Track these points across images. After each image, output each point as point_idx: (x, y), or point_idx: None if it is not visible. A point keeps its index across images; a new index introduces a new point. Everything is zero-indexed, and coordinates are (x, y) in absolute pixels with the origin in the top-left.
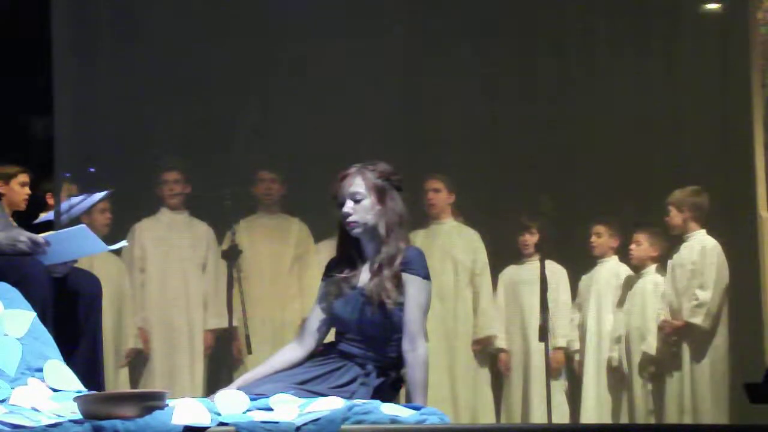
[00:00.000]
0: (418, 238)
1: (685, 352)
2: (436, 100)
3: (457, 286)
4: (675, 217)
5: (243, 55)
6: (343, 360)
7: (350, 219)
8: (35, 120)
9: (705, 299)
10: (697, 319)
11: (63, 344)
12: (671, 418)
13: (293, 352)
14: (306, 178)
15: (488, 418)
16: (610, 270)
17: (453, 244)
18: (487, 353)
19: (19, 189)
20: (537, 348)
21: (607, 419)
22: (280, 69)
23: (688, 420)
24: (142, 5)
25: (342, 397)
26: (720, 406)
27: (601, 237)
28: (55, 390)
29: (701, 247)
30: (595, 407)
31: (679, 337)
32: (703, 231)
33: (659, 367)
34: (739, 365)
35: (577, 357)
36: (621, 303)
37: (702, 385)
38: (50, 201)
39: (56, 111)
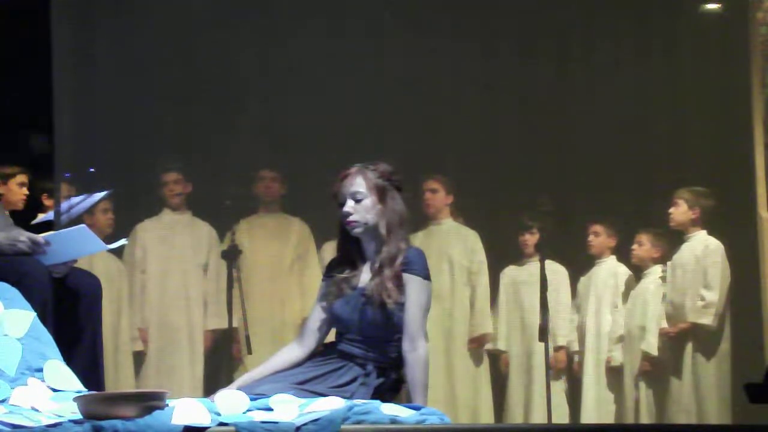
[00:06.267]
0: (417, 239)
1: (688, 352)
2: (436, 100)
3: (454, 287)
4: (684, 213)
5: (243, 55)
6: (344, 360)
7: (351, 218)
8: (35, 120)
9: (712, 300)
10: (706, 320)
11: (63, 344)
12: (673, 418)
13: (293, 352)
14: (306, 178)
15: (488, 418)
16: (609, 270)
17: (450, 245)
18: (483, 352)
19: (17, 189)
20: (537, 348)
21: (606, 419)
22: (280, 69)
23: (690, 420)
24: (142, 6)
25: (342, 397)
26: (723, 406)
27: (599, 236)
28: (55, 390)
29: (704, 247)
30: (595, 407)
31: (684, 338)
32: (704, 231)
33: (660, 367)
34: (741, 365)
35: (576, 358)
36: (622, 303)
37: (705, 385)
38: (46, 202)
39: (56, 111)
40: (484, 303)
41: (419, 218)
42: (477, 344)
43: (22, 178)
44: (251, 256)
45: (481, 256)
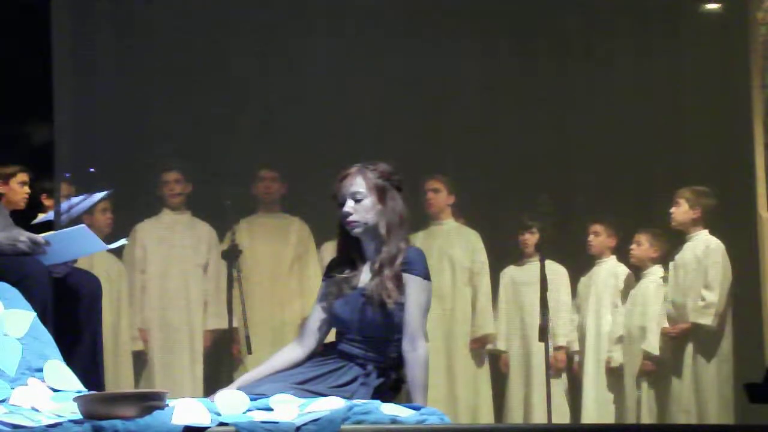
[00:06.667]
0: (418, 239)
1: (689, 352)
2: (436, 100)
3: (456, 287)
4: (685, 212)
5: (243, 55)
6: (344, 360)
7: (351, 218)
8: (35, 120)
9: (712, 300)
10: (706, 320)
11: (63, 344)
12: (673, 418)
13: (293, 352)
14: (306, 178)
15: (488, 418)
16: (609, 270)
17: (452, 245)
18: (485, 352)
19: (19, 188)
20: (537, 348)
21: (606, 419)
22: (280, 69)
23: (691, 420)
24: (142, 6)
25: (342, 397)
26: (724, 406)
27: (599, 236)
28: (55, 390)
29: (705, 247)
30: (595, 407)
31: (685, 338)
32: (706, 231)
33: (661, 367)
34: (742, 365)
35: (576, 358)
36: (622, 303)
37: (707, 385)
38: (46, 202)
39: (56, 111)
40: (486, 303)
41: (420, 218)
42: (479, 344)
43: (22, 176)
44: (251, 256)
45: (482, 257)
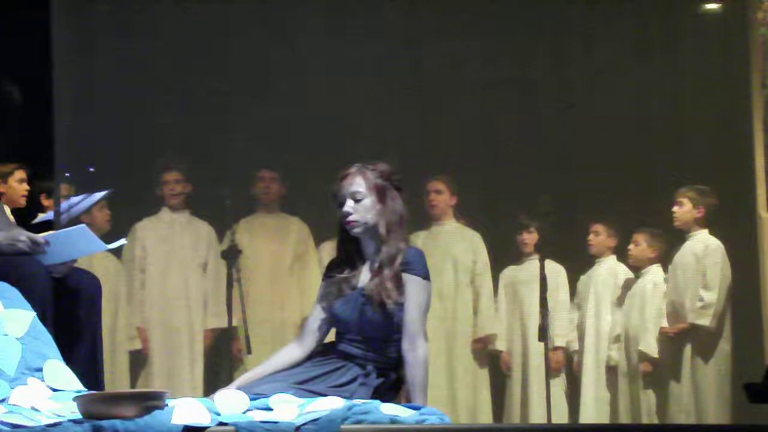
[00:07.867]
0: (420, 240)
1: (688, 352)
2: (437, 100)
3: (458, 287)
4: (688, 212)
5: (243, 55)
6: (344, 360)
7: (350, 218)
8: (35, 120)
9: (711, 300)
10: (704, 321)
11: (63, 344)
12: (672, 417)
13: (293, 351)
14: (306, 178)
15: (488, 418)
16: (609, 270)
17: (454, 245)
18: (486, 353)
19: (18, 186)
20: (536, 348)
21: (605, 419)
22: (280, 69)
23: (689, 420)
24: (142, 5)
25: (342, 396)
26: (723, 406)
27: (599, 236)
28: (54, 390)
29: (704, 247)
30: (594, 407)
31: (683, 338)
32: (706, 231)
33: (660, 367)
34: (741, 365)
35: (575, 357)
36: (620, 303)
37: (705, 385)
38: (45, 202)
39: (56, 111)
40: (488, 304)
41: (422, 219)
42: (482, 345)
43: (20, 174)
44: (251, 256)
45: (484, 258)
